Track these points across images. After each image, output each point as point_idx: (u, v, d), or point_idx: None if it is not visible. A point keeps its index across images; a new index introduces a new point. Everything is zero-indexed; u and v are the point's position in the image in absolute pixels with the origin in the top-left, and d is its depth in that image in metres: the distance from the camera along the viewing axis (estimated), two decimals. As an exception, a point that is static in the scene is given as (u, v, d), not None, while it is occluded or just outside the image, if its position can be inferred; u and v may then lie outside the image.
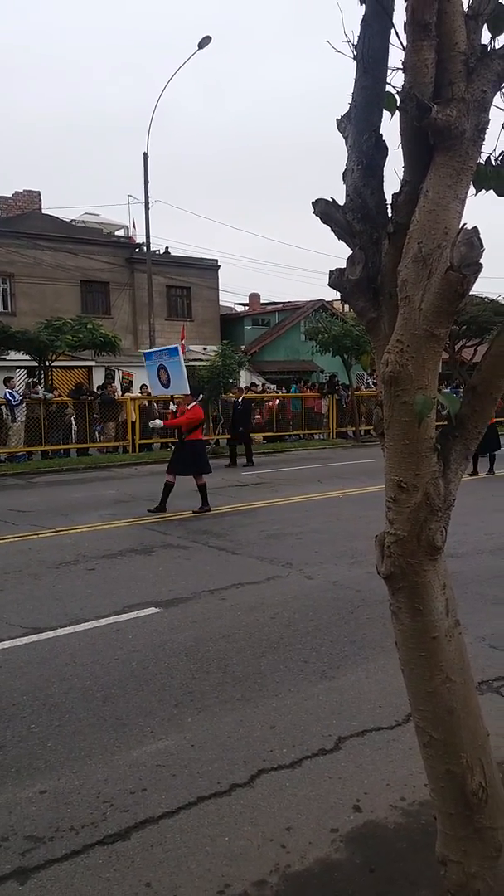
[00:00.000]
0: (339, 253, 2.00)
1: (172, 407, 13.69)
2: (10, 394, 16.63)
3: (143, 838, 2.92)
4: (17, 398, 16.65)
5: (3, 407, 16.57)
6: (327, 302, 33.05)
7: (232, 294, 57.08)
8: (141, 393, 20.14)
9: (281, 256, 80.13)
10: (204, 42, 20.64)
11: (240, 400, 17.28)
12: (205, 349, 29.27)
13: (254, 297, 37.45)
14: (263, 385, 25.97)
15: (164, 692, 4.27)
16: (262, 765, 3.46)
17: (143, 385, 21.25)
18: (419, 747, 1.89)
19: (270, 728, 3.83)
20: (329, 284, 2.02)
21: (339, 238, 2.00)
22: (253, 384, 25.45)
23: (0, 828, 2.98)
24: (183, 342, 27.44)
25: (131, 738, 3.74)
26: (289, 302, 36.42)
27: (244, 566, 7.13)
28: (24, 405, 16.83)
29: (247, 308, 37.53)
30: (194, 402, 10.54)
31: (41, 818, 3.05)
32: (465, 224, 1.65)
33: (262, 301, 37.55)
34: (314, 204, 2.00)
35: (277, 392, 24.37)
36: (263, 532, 8.73)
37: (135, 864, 2.76)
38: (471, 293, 1.81)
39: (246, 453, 16.78)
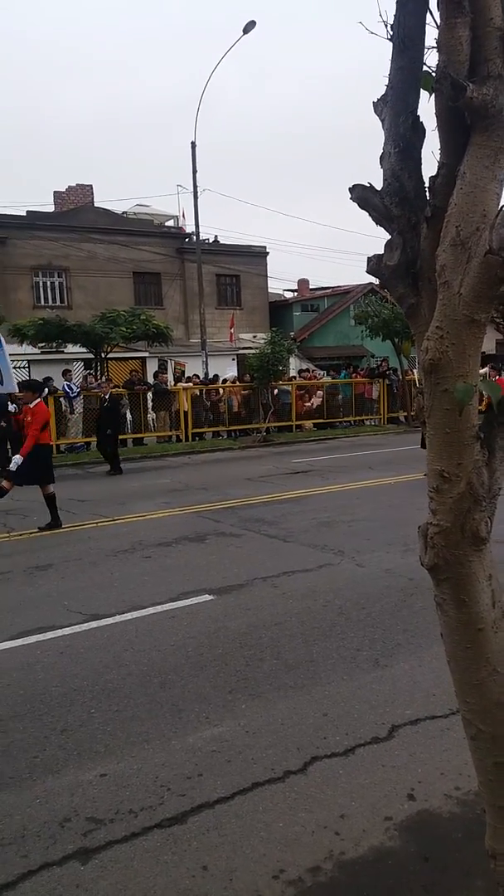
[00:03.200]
0: (386, 235, 1.95)
1: (12, 408, 11.88)
2: (69, 386, 16.97)
3: (200, 822, 2.96)
4: (74, 390, 16.98)
5: (62, 399, 16.90)
6: (376, 286, 32.51)
7: (281, 280, 56.72)
8: (193, 383, 20.28)
9: (329, 241, 79.18)
10: (249, 27, 20.45)
11: (106, 397, 14.66)
12: (254, 337, 29.21)
13: (303, 283, 37.10)
14: (313, 371, 25.78)
15: (218, 678, 4.32)
16: (316, 752, 3.47)
17: (195, 374, 21.43)
18: (467, 740, 1.86)
19: (323, 715, 3.83)
20: (367, 271, 1.98)
21: (376, 223, 1.96)
22: (303, 370, 25.32)
23: (62, 809, 3.07)
24: (232, 330, 27.57)
25: (187, 723, 3.80)
26: (338, 286, 35.95)
27: (296, 554, 7.13)
28: (81, 397, 17.16)
29: (296, 294, 37.24)
30: (38, 399, 8.94)
31: (101, 800, 3.13)
32: (504, 206, 1.59)
33: (310, 286, 37.19)
34: (351, 189, 1.96)
35: (326, 378, 24.14)
36: (315, 520, 8.70)
37: (192, 847, 2.81)
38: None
39: (112, 459, 14.25)
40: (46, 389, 12.89)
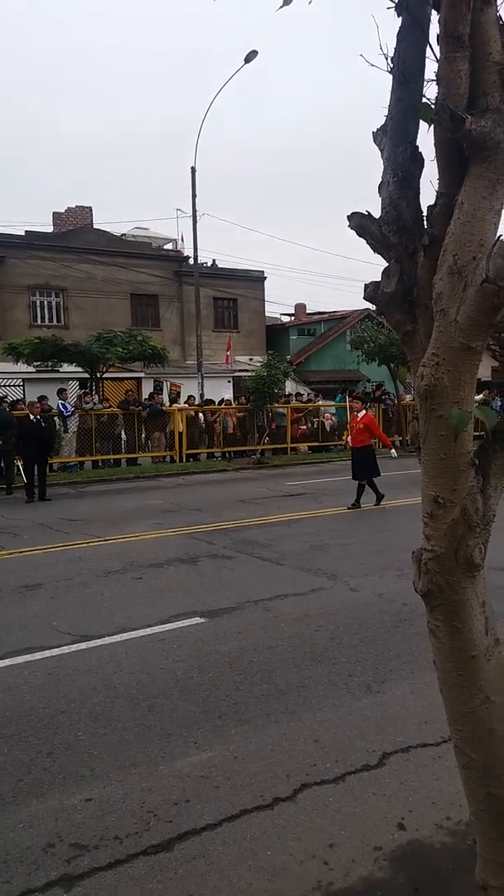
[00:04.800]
0: (383, 262, 1.96)
1: None
2: (63, 405, 16.98)
3: (186, 850, 2.92)
4: (69, 409, 16.98)
5: (56, 418, 16.89)
6: (373, 311, 32.80)
7: (278, 305, 57.16)
8: (188, 404, 20.32)
9: (327, 266, 79.93)
10: (251, 56, 20.79)
11: (36, 418, 13.45)
12: (251, 360, 29.37)
13: (299, 308, 37.43)
14: (309, 395, 25.88)
15: (208, 703, 4.27)
16: (306, 779, 3.43)
17: (191, 396, 21.49)
18: (459, 768, 1.84)
19: (314, 742, 3.79)
20: (364, 297, 2.00)
21: (374, 251, 1.98)
22: (299, 394, 25.42)
23: (47, 834, 3.02)
24: (229, 353, 27.69)
25: (176, 748, 3.75)
26: (335, 312, 36.26)
27: (288, 577, 7.10)
28: (76, 416, 17.16)
29: (292, 318, 37.53)
30: None
31: (86, 826, 3.08)
32: (501, 236, 1.61)
33: (307, 311, 37.50)
34: (349, 217, 1.99)
35: (316, 402, 24.23)
36: (308, 543, 8.68)
37: (177, 875, 2.76)
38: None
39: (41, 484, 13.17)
40: None
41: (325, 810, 3.19)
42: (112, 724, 4.03)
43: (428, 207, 1.82)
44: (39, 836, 3.01)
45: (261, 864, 2.82)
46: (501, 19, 1.64)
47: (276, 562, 7.75)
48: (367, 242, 1.97)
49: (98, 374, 19.98)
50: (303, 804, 3.23)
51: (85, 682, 4.62)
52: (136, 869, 2.80)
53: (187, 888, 2.68)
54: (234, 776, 3.47)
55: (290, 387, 24.61)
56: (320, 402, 23.64)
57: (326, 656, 4.96)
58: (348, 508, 11.14)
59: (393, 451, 14.21)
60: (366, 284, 1.95)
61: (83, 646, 5.29)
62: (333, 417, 22.34)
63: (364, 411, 12.11)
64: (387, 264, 1.90)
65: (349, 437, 12.02)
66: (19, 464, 13.21)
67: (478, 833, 1.83)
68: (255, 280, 32.94)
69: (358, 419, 11.75)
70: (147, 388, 25.13)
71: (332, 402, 23.53)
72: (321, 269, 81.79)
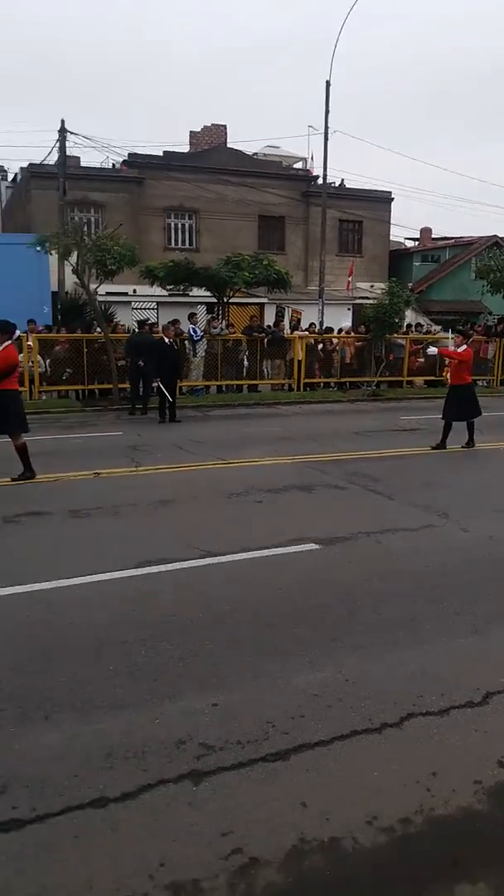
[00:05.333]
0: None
1: None
2: (193, 329, 17.20)
3: (301, 761, 3.10)
4: (198, 334, 17.21)
5: (186, 342, 17.16)
6: (501, 238, 30.49)
7: (405, 229, 54.13)
8: (308, 331, 20.02)
9: (462, 190, 74.19)
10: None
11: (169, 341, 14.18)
12: (371, 286, 28.30)
13: (425, 232, 35.32)
14: (428, 325, 24.76)
15: (322, 626, 4.42)
16: (412, 709, 3.51)
17: (312, 323, 21.13)
18: None
19: (421, 674, 3.85)
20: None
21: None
22: (419, 324, 24.36)
23: (178, 732, 3.29)
24: (350, 279, 26.75)
25: (292, 665, 3.93)
26: (461, 237, 33.97)
27: (400, 512, 7.07)
28: (204, 341, 17.38)
29: (417, 243, 35.56)
30: (7, 342, 8.06)
31: (212, 728, 3.33)
32: None
33: (433, 236, 35.36)
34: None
35: (441, 332, 23.13)
36: (420, 479, 8.54)
37: (292, 783, 2.96)
38: None
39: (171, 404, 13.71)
40: (18, 331, 11.56)
41: (429, 740, 3.27)
42: (236, 636, 4.26)
43: None
44: (172, 732, 3.29)
45: (367, 784, 2.96)
46: None
47: (388, 496, 7.71)
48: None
49: (225, 299, 20.00)
50: (408, 732, 3.33)
51: (211, 595, 4.88)
52: (256, 773, 3.02)
53: (301, 796, 2.87)
54: (346, 698, 3.61)
55: (409, 316, 23.59)
56: (440, 334, 22.59)
57: (435, 593, 4.95)
58: (432, 448, 10.38)
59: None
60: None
61: (210, 560, 5.56)
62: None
63: (465, 346, 11.05)
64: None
65: (448, 374, 11.21)
66: (160, 385, 13.46)
67: None
68: (381, 201, 31.26)
69: (458, 353, 10.84)
70: (269, 314, 24.94)
71: (450, 335, 22.44)
72: (452, 191, 76.24)
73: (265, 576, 5.28)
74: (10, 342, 8.14)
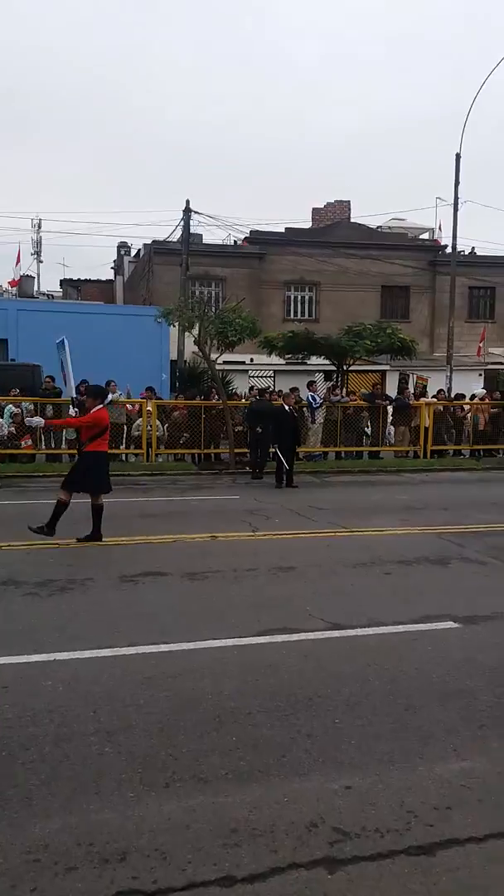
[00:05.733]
0: None
1: (72, 411, 10.83)
2: (313, 396, 17.46)
3: (449, 858, 2.84)
4: (318, 401, 17.43)
5: (304, 409, 17.41)
6: None
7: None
8: (436, 398, 19.72)
9: None
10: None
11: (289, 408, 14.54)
12: (506, 352, 27.68)
13: None
14: None
15: (467, 711, 4.12)
16: None
17: (440, 390, 20.82)
18: None
19: None
20: None
21: None
22: None
23: (309, 813, 3.13)
24: (482, 344, 26.32)
25: (434, 751, 3.67)
26: None
27: (552, 590, 6.58)
28: (323, 407, 17.57)
29: None
30: (99, 406, 8.67)
31: (347, 813, 3.13)
32: None
33: None
34: None
35: None
36: None
37: (441, 881, 2.70)
38: None
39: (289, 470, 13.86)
40: (110, 396, 12.25)
41: None
42: (369, 716, 4.06)
43: None
44: (303, 813, 3.12)
45: (532, 894, 2.65)
46: None
47: (537, 572, 7.23)
48: None
49: (345, 367, 20.22)
50: None
51: (340, 670, 4.71)
52: (398, 866, 2.79)
53: (451, 897, 2.61)
54: (499, 793, 3.30)
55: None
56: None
57: None
58: None
59: None
60: None
61: (336, 633, 5.40)
62: None
63: None
64: None
65: None
66: (278, 451, 13.73)
67: None
68: (516, 267, 30.89)
69: None
70: (392, 381, 24.91)
71: None
72: None
73: (399, 653, 5.03)
74: (102, 406, 8.73)
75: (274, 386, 21.64)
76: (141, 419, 16.41)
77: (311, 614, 5.81)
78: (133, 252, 36.52)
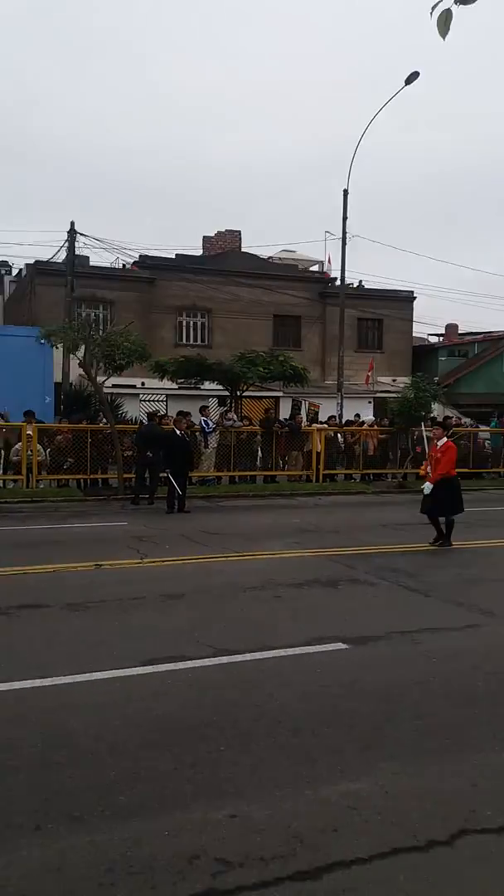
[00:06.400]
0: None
1: None
2: (205, 421, 17.53)
3: (335, 881, 2.82)
4: (210, 426, 17.51)
5: (197, 433, 17.40)
6: (534, 333, 31.39)
7: (427, 325, 55.99)
8: (328, 423, 20.30)
9: (481, 286, 77.63)
10: (411, 78, 20.35)
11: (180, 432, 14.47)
12: (394, 381, 28.94)
13: (451, 328, 36.52)
14: (459, 418, 25.04)
15: (354, 732, 4.16)
16: (464, 825, 3.23)
17: (331, 416, 21.46)
18: None
19: (472, 786, 3.58)
20: None
21: None
22: (447, 417, 24.64)
23: (191, 845, 3.03)
24: (370, 373, 27.46)
25: (321, 774, 3.67)
26: (490, 332, 35.04)
27: (438, 610, 6.83)
28: (217, 432, 17.65)
29: (442, 339, 36.63)
30: None
31: (231, 842, 3.06)
32: None
33: (459, 332, 36.49)
34: None
35: (466, 426, 23.32)
36: (459, 575, 8.33)
37: (326, 907, 2.68)
38: None
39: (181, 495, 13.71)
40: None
41: (488, 862, 2.98)
42: (255, 742, 4.01)
43: None
44: (184, 847, 3.02)
45: (417, 910, 2.67)
46: None
47: (424, 593, 7.48)
48: None
49: (238, 393, 20.47)
50: (461, 851, 3.04)
51: (227, 697, 4.65)
52: (282, 892, 2.74)
53: (338, 923, 2.59)
54: (385, 812, 3.33)
55: (437, 410, 23.90)
56: (470, 427, 22.79)
57: (485, 698, 4.69)
58: (431, 545, 10.12)
59: (427, 484, 10.77)
60: None
61: (224, 660, 5.33)
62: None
63: (445, 439, 10.82)
64: None
65: (428, 468, 10.76)
66: (169, 476, 13.61)
67: None
68: (403, 300, 32.55)
69: (437, 448, 10.60)
70: (285, 407, 25.43)
71: (487, 427, 22.65)
72: (475, 288, 79.40)
73: (287, 677, 5.03)
74: None
75: (167, 410, 21.55)
76: (20, 444, 15.84)
77: (200, 641, 5.73)
78: (14, 272, 35.62)
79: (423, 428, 18.40)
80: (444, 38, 1.80)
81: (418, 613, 6.68)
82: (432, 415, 22.26)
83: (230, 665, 5.24)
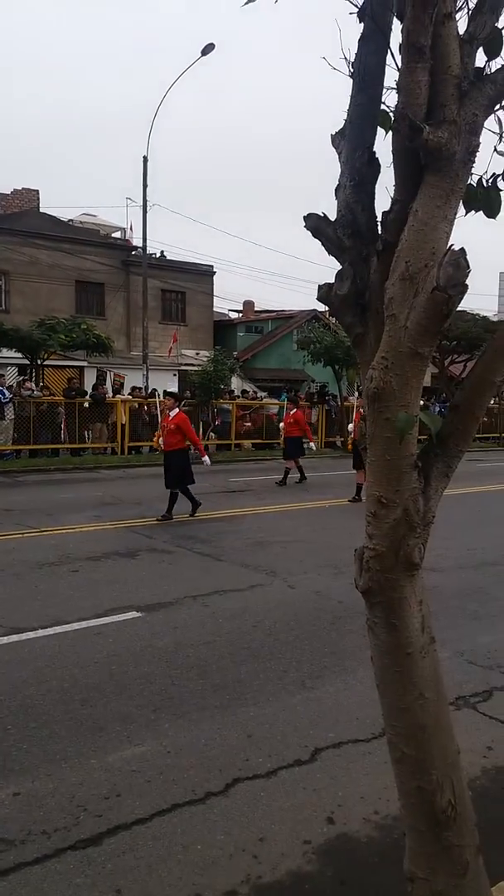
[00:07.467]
0: (334, 265, 1.97)
1: None
2: (0, 391, 16.55)
3: (116, 844, 2.90)
4: (6, 396, 16.57)
5: (-7, 404, 16.44)
6: (320, 312, 33.15)
7: (226, 300, 57.09)
8: (132, 395, 20.10)
9: (276, 265, 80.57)
10: (207, 49, 20.66)
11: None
12: (197, 354, 29.28)
13: (248, 305, 37.50)
14: (254, 391, 25.99)
15: (142, 697, 4.25)
16: (238, 774, 3.45)
17: (134, 387, 21.27)
18: (391, 763, 1.90)
19: (248, 737, 3.82)
20: (318, 298, 2.03)
21: (329, 253, 2.01)
22: (244, 391, 25.48)
23: (-30, 830, 2.95)
24: (173, 345, 27.62)
25: (108, 742, 3.72)
26: (282, 310, 36.50)
27: (228, 573, 7.13)
28: (13, 403, 16.75)
29: (240, 315, 37.58)
30: None
31: (13, 820, 3.03)
32: (452, 245, 1.66)
33: (255, 309, 37.61)
34: (306, 218, 2.01)
35: (267, 399, 24.34)
36: (248, 539, 8.73)
37: (106, 870, 2.75)
38: (460, 309, 1.81)
39: None
40: None
41: (257, 805, 3.22)
42: (43, 717, 3.97)
43: (383, 213, 1.86)
44: (-37, 831, 2.94)
45: (190, 858, 2.83)
46: (460, 34, 1.68)
47: (216, 557, 7.76)
48: (322, 244, 1.99)
49: (38, 361, 19.58)
50: (234, 798, 3.26)
51: (16, 675, 4.53)
52: (64, 864, 2.77)
53: (115, 883, 2.67)
54: (167, 770, 3.47)
55: (235, 383, 24.64)
56: (265, 400, 23.76)
57: (262, 652, 5.00)
58: (157, 520, 9.83)
59: (206, 458, 11.53)
60: (319, 286, 1.98)
61: (14, 638, 5.18)
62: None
63: (177, 410, 10.48)
64: (340, 267, 1.94)
65: (160, 440, 10.51)
66: None
67: (407, 826, 1.89)
68: (203, 274, 32.81)
69: (169, 419, 10.32)
70: (90, 378, 24.76)
71: (277, 401, 23.72)
72: (271, 267, 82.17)
73: (80, 649, 5.01)
74: None
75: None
76: None
77: (-10, 620, 5.50)
78: None
79: (221, 401, 18.89)
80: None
81: (209, 577, 6.92)
82: (231, 389, 22.92)
83: (20, 643, 5.10)
